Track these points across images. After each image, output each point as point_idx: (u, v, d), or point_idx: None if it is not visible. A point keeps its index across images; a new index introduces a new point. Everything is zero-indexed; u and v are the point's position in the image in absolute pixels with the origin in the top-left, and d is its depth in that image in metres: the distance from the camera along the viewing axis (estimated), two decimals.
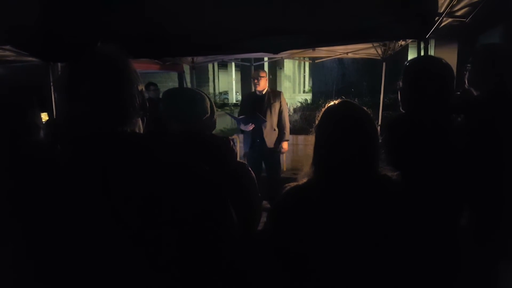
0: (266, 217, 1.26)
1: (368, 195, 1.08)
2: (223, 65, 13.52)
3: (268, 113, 4.20)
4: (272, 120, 4.24)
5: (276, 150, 4.33)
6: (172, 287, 0.96)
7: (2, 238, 0.92)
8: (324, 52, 4.57)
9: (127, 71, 0.96)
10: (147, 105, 1.04)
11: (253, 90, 4.46)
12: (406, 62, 1.66)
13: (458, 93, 1.99)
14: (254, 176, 1.63)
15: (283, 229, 1.14)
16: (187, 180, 0.97)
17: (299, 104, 9.64)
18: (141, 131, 1.05)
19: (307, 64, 15.79)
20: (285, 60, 14.39)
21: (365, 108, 1.17)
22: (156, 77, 7.65)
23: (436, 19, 2.17)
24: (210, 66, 12.10)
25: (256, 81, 4.20)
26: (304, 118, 7.48)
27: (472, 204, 1.57)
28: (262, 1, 2.14)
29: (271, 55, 3.89)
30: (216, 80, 13.11)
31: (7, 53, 2.73)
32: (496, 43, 2.08)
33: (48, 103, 2.75)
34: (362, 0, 2.12)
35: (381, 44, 3.92)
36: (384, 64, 4.23)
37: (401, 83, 1.58)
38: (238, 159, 1.69)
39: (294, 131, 4.49)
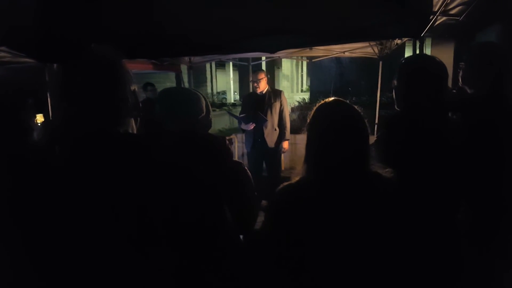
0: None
1: (360, 193, 1.08)
2: (221, 65, 13.53)
3: (269, 112, 4.19)
4: (273, 120, 4.22)
5: (277, 149, 4.31)
6: (169, 285, 0.96)
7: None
8: (321, 51, 4.59)
9: (120, 72, 0.96)
10: (140, 105, 1.04)
11: (252, 90, 4.46)
12: (401, 60, 1.67)
13: (454, 91, 2.00)
14: (251, 175, 1.63)
15: (277, 228, 1.15)
16: (182, 179, 0.97)
17: (297, 104, 9.66)
18: (134, 131, 1.06)
19: (304, 63, 15.81)
20: (282, 60, 14.38)
21: (355, 107, 1.18)
22: (154, 77, 7.64)
23: (430, 17, 2.18)
24: (207, 65, 12.10)
25: (255, 84, 4.18)
26: (302, 118, 7.50)
27: (468, 202, 1.57)
28: (259, 0, 2.14)
29: (269, 55, 3.89)
30: (214, 80, 13.12)
31: (3, 54, 2.72)
32: (490, 41, 2.09)
33: (44, 104, 2.75)
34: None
35: (378, 43, 3.93)
36: (380, 63, 4.24)
37: (395, 82, 1.59)
38: (236, 158, 1.70)
39: (293, 130, 4.50)
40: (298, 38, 2.59)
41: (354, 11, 2.12)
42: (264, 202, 2.80)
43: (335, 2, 2.11)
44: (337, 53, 4.77)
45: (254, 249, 1.25)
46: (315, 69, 12.20)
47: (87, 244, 0.88)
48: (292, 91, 16.36)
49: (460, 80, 1.84)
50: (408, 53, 6.64)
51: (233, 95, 14.44)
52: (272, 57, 6.06)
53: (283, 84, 15.61)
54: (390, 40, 3.70)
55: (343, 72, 10.53)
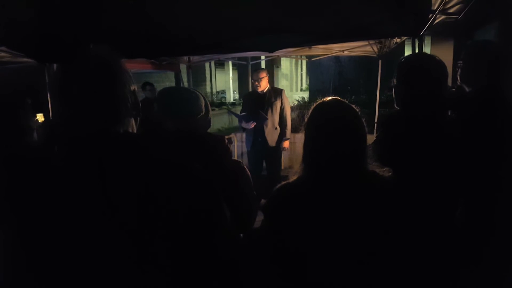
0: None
1: (357, 191, 1.09)
2: (220, 64, 13.52)
3: (270, 111, 4.18)
4: (273, 119, 4.22)
5: (278, 148, 4.31)
6: (167, 284, 0.96)
7: None
8: (321, 50, 4.59)
9: (120, 72, 0.96)
10: (140, 105, 1.04)
11: (253, 89, 4.45)
12: (401, 58, 1.67)
13: (454, 89, 2.01)
14: (249, 174, 1.64)
15: (274, 227, 1.15)
16: (180, 178, 0.97)
17: (296, 103, 9.66)
18: (134, 131, 1.06)
19: (304, 62, 15.82)
20: (282, 59, 14.39)
21: (353, 106, 1.18)
22: (153, 77, 7.64)
23: (429, 16, 2.18)
24: (207, 65, 12.09)
25: (256, 83, 4.16)
26: (301, 117, 7.48)
27: (466, 200, 1.58)
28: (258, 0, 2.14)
29: (268, 54, 3.89)
30: (213, 79, 13.11)
31: (2, 54, 2.72)
32: (487, 40, 2.09)
33: (44, 104, 2.75)
34: None
35: (377, 41, 3.93)
36: (380, 61, 4.24)
37: (395, 81, 1.59)
38: (235, 157, 1.70)
39: (292, 129, 4.52)
40: (297, 37, 2.59)
41: (353, 10, 2.13)
42: (263, 201, 2.80)
43: (334, 1, 2.11)
44: (336, 52, 4.77)
45: (252, 247, 1.26)
46: (314, 68, 12.22)
47: (88, 244, 0.88)
48: (292, 90, 16.38)
49: (458, 78, 1.84)
50: (407, 51, 6.64)
51: (232, 94, 14.44)
52: (271, 56, 6.07)
53: (282, 83, 15.62)
54: (390, 38, 3.70)
55: (342, 71, 10.54)
